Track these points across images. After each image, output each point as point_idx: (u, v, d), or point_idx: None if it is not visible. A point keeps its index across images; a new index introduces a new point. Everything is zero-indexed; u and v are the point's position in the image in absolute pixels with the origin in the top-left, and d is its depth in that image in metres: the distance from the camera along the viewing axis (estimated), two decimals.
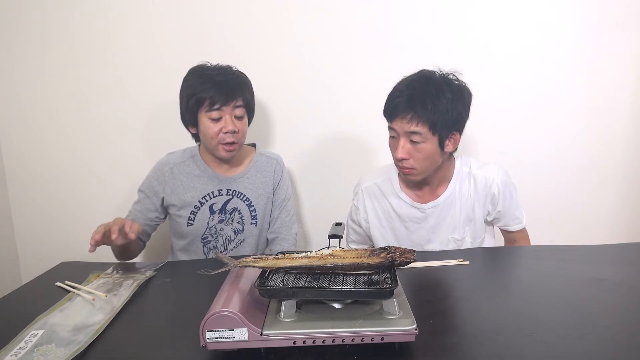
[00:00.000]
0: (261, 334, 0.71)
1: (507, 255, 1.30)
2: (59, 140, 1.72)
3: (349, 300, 0.78)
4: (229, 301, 0.74)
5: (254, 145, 1.52)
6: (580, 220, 1.81)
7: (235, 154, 1.39)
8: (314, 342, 0.72)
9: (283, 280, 0.76)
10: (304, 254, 0.82)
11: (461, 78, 1.24)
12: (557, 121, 1.73)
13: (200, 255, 1.45)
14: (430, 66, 1.25)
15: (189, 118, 1.35)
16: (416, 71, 1.25)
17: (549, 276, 1.06)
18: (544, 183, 1.78)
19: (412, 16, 1.65)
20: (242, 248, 1.47)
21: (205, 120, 1.32)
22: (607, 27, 1.66)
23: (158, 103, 1.68)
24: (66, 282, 1.06)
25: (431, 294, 0.99)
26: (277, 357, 0.72)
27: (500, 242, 1.49)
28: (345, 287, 0.75)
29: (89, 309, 0.92)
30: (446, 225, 1.34)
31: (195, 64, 1.37)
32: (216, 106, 1.30)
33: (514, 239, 1.41)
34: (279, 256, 0.82)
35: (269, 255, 0.83)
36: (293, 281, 0.77)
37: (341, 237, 0.89)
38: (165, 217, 1.46)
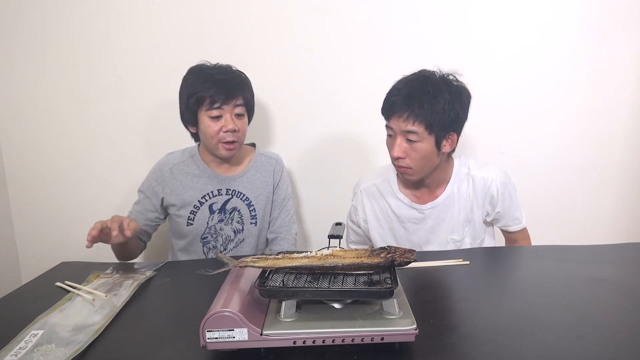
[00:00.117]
0: (261, 334, 0.71)
1: (506, 255, 1.30)
2: (59, 140, 1.72)
3: (349, 300, 0.78)
4: (229, 301, 0.74)
5: (253, 145, 1.52)
6: (580, 220, 1.81)
7: (235, 153, 1.39)
8: (314, 342, 0.72)
9: (283, 280, 0.76)
10: (304, 254, 0.82)
11: (461, 78, 1.24)
12: (557, 121, 1.73)
13: (200, 255, 1.45)
14: (430, 66, 1.25)
15: (189, 117, 1.36)
16: (416, 71, 1.25)
17: (549, 276, 1.06)
18: (544, 183, 1.78)
19: (412, 16, 1.65)
20: (242, 248, 1.47)
21: (205, 119, 1.32)
22: (607, 27, 1.66)
23: (158, 103, 1.68)
24: (66, 282, 1.06)
25: (431, 294, 0.99)
26: (277, 357, 0.72)
27: (500, 242, 1.49)
28: (345, 287, 0.75)
29: (89, 309, 0.92)
30: (445, 226, 1.34)
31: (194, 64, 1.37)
32: (216, 105, 1.30)
33: (515, 239, 1.41)
34: (279, 256, 0.82)
35: (269, 255, 0.83)
36: (293, 281, 0.77)
37: (341, 237, 0.89)
38: (165, 218, 1.46)
